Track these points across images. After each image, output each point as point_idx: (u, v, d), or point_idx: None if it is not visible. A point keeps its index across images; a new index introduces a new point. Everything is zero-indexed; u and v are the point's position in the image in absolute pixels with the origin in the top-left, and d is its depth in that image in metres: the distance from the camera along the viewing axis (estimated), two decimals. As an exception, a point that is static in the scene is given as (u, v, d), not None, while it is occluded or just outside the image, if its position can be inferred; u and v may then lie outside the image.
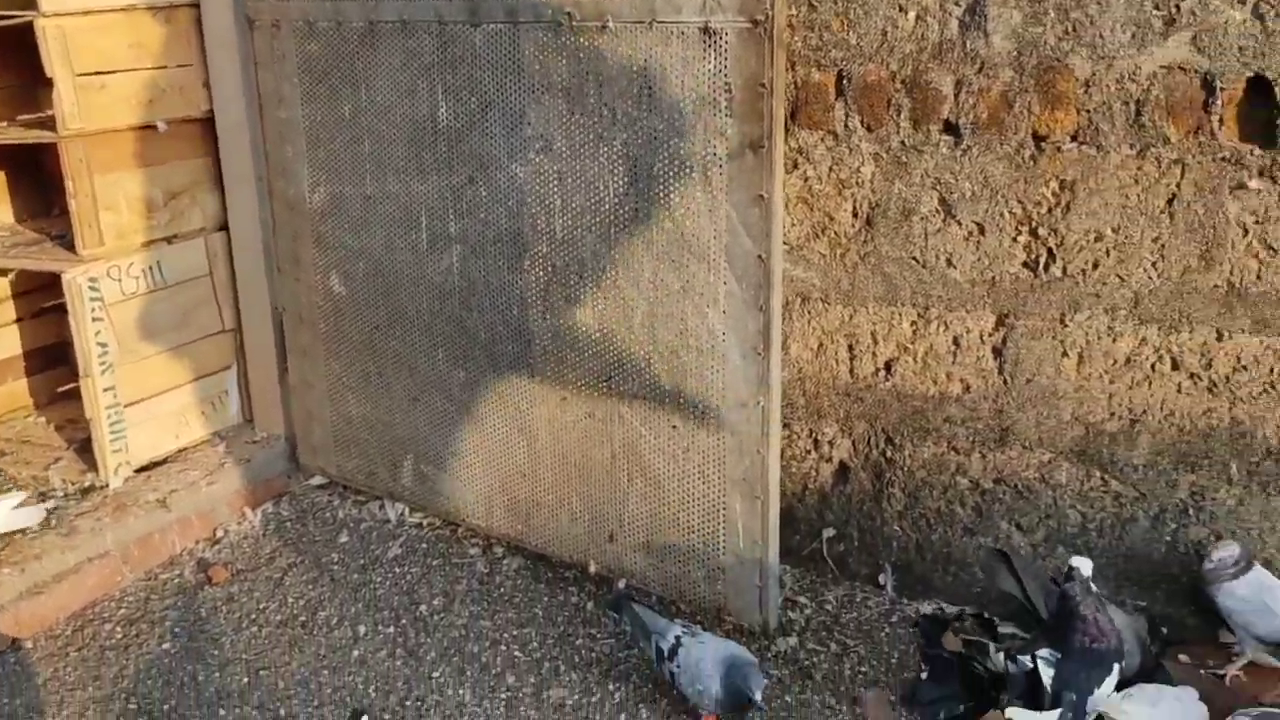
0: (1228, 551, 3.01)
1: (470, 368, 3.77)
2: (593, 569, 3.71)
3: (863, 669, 3.32)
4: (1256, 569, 3.04)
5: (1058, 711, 2.57)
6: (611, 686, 3.26)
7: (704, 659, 3.01)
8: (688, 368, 3.25)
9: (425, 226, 3.72)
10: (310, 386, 4.32)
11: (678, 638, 3.08)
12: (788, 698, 3.20)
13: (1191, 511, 3.22)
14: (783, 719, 3.11)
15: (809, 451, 3.74)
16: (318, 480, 4.49)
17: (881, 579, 3.72)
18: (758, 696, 2.88)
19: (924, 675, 2.69)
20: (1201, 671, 3.10)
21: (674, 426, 3.34)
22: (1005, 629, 3.15)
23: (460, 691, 3.25)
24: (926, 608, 3.55)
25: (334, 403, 4.26)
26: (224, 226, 4.41)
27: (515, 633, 3.50)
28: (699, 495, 3.36)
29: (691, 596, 3.52)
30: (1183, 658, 3.23)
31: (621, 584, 3.63)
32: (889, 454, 3.61)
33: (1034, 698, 2.66)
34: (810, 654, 3.37)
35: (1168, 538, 3.27)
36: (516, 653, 3.42)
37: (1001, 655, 2.66)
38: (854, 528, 3.75)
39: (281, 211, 4.14)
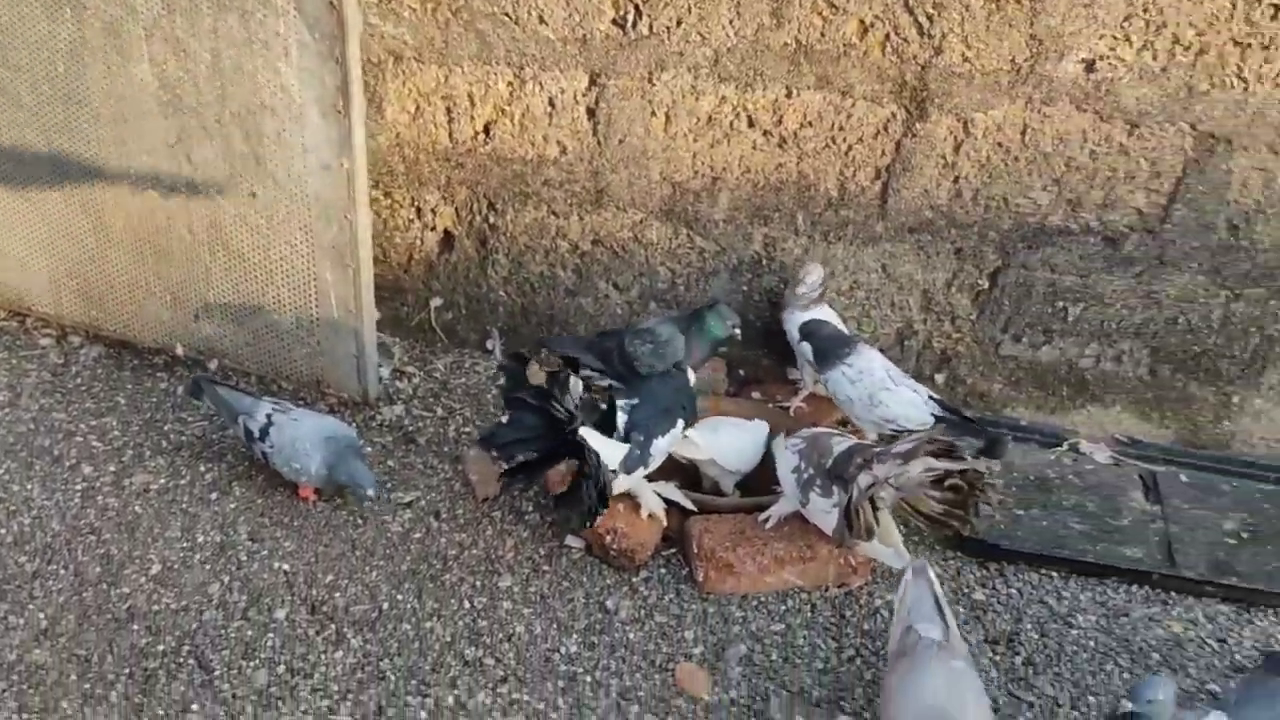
0: (815, 276, 3.24)
1: (16, 137, 3.30)
2: (180, 352, 3.48)
3: (467, 430, 3.39)
4: (825, 306, 3.34)
5: (627, 447, 2.74)
6: (203, 468, 3.12)
7: (299, 437, 2.93)
8: (264, 129, 3.01)
9: (-62, -36, 3.13)
10: None
11: (269, 416, 2.97)
12: (390, 462, 3.21)
13: (764, 262, 3.45)
14: (383, 481, 3.12)
15: (412, 221, 3.64)
16: None
17: (489, 344, 3.77)
18: (370, 493, 2.88)
19: (504, 419, 2.78)
20: (770, 405, 3.42)
21: (254, 194, 3.11)
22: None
23: (28, 486, 2.99)
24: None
25: None
26: None
27: (93, 423, 3.25)
28: (287, 266, 3.19)
29: (289, 372, 3.40)
30: (755, 395, 3.54)
31: (214, 365, 3.44)
32: (492, 220, 3.58)
33: (606, 432, 2.79)
34: (416, 420, 3.39)
35: (745, 287, 3.51)
36: (95, 443, 3.18)
37: (582, 385, 2.74)
38: (461, 296, 3.74)
39: None
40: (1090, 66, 2.95)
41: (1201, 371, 3.31)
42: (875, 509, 2.62)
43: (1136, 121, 3.00)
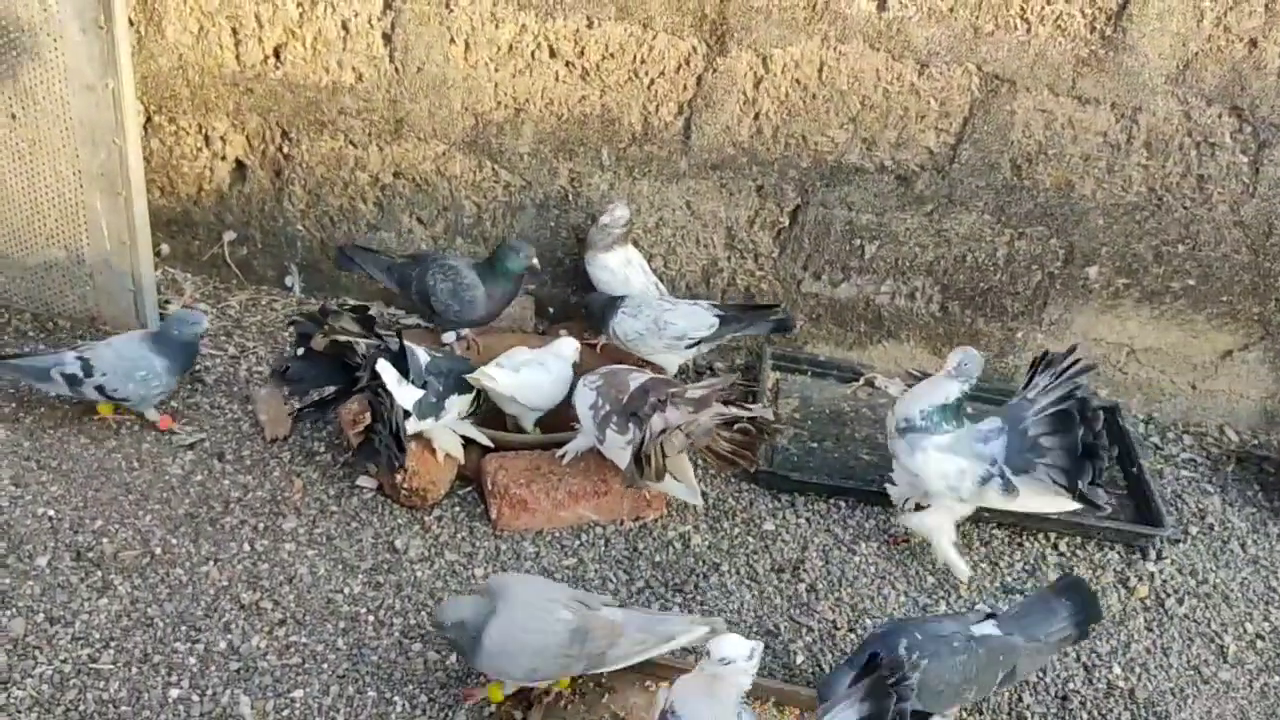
0: (620, 212, 3.22)
1: None
2: (-61, 290, 3.23)
3: (259, 369, 3.26)
4: (629, 246, 3.32)
5: (421, 393, 2.68)
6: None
7: (123, 352, 2.84)
8: (21, 44, 2.78)
9: None
10: None
11: (79, 356, 2.80)
12: (174, 403, 3.06)
13: (571, 198, 3.41)
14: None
15: (200, 149, 3.45)
16: None
17: (288, 280, 3.62)
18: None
19: (298, 353, 2.69)
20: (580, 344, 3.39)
21: (13, 116, 2.89)
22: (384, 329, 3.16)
23: None
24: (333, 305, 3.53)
25: None
26: None
27: None
28: (54, 195, 2.98)
29: (63, 308, 3.20)
30: (563, 332, 3.51)
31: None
32: (286, 150, 3.42)
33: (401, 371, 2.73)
34: (204, 358, 3.23)
35: (552, 223, 3.46)
36: None
37: (370, 351, 2.68)
38: (256, 229, 3.57)
39: None
40: (882, 5, 2.98)
41: (988, 308, 3.43)
42: (665, 455, 2.64)
43: (926, 61, 3.06)
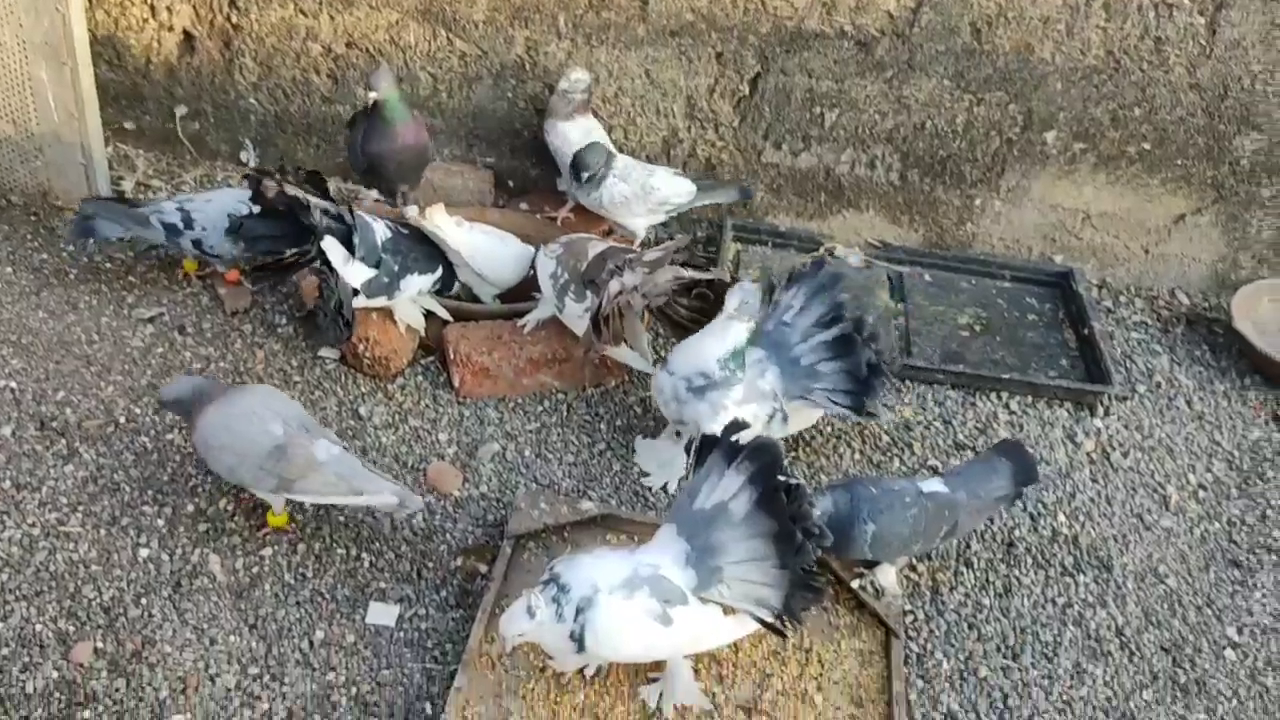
0: (579, 75, 3.19)
1: None
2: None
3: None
4: (589, 116, 3.29)
5: (374, 272, 2.69)
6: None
7: (225, 206, 2.92)
8: (-50, -97, 2.69)
9: None
10: None
11: (179, 206, 2.91)
12: (131, 277, 3.05)
13: (528, 67, 3.36)
14: (123, 296, 2.97)
15: (146, 20, 3.36)
16: None
17: (243, 155, 3.57)
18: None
19: (254, 211, 2.68)
20: (538, 216, 3.39)
21: (-51, -20, 2.80)
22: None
23: None
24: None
25: None
26: None
27: None
28: (-2, 66, 2.92)
29: (13, 184, 3.16)
30: (524, 206, 3.50)
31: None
32: (234, 19, 3.34)
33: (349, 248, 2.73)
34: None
35: (509, 94, 3.42)
36: None
37: (319, 214, 2.66)
38: (208, 103, 3.51)
39: None
40: None
41: (947, 175, 3.44)
42: (622, 316, 2.66)
43: (885, -81, 3.01)
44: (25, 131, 3.01)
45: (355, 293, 2.72)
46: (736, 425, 2.10)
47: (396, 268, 2.78)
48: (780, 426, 2.64)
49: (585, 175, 3.07)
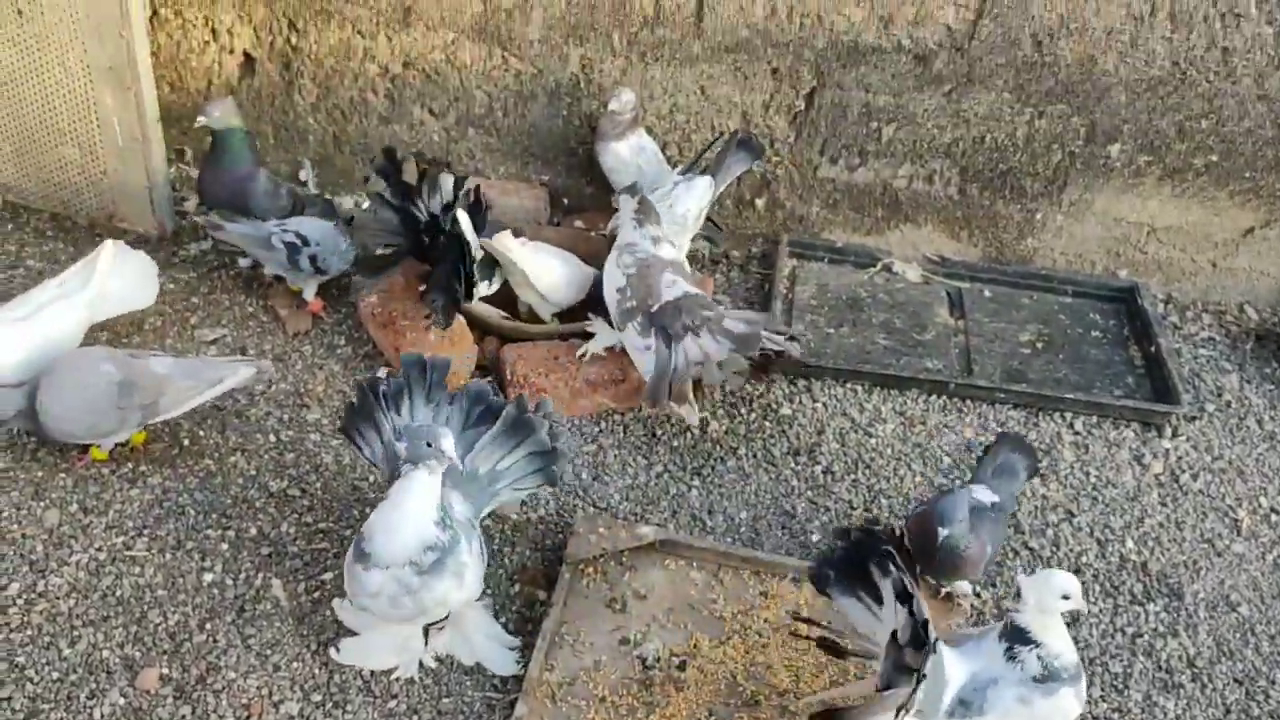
0: (627, 97, 3.17)
1: None
2: (-43, 187, 3.24)
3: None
4: (640, 133, 3.28)
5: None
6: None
7: (326, 228, 2.99)
8: (21, -64, 2.75)
9: None
10: None
11: (285, 228, 2.94)
12: (195, 299, 3.09)
13: (582, 84, 3.36)
14: (186, 318, 3.02)
15: (208, 43, 3.41)
16: None
17: (302, 175, 3.60)
18: None
19: (366, 207, 2.87)
20: (593, 233, 3.38)
21: (19, 12, 2.86)
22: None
23: None
24: (349, 202, 3.53)
25: None
26: None
27: None
28: (64, 91, 2.97)
29: (80, 207, 3.21)
30: (578, 223, 3.50)
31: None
32: (294, 41, 3.37)
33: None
34: (223, 255, 3.24)
35: (564, 112, 3.42)
36: None
37: (453, 181, 2.86)
38: (268, 124, 3.55)
39: None
40: (899, -126, 2.88)
41: (1007, 189, 3.39)
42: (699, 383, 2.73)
43: (945, -67, 2.97)
44: (91, 155, 3.06)
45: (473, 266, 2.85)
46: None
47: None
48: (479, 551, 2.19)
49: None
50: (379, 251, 3.01)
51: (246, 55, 3.43)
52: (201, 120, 2.91)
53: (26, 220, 3.26)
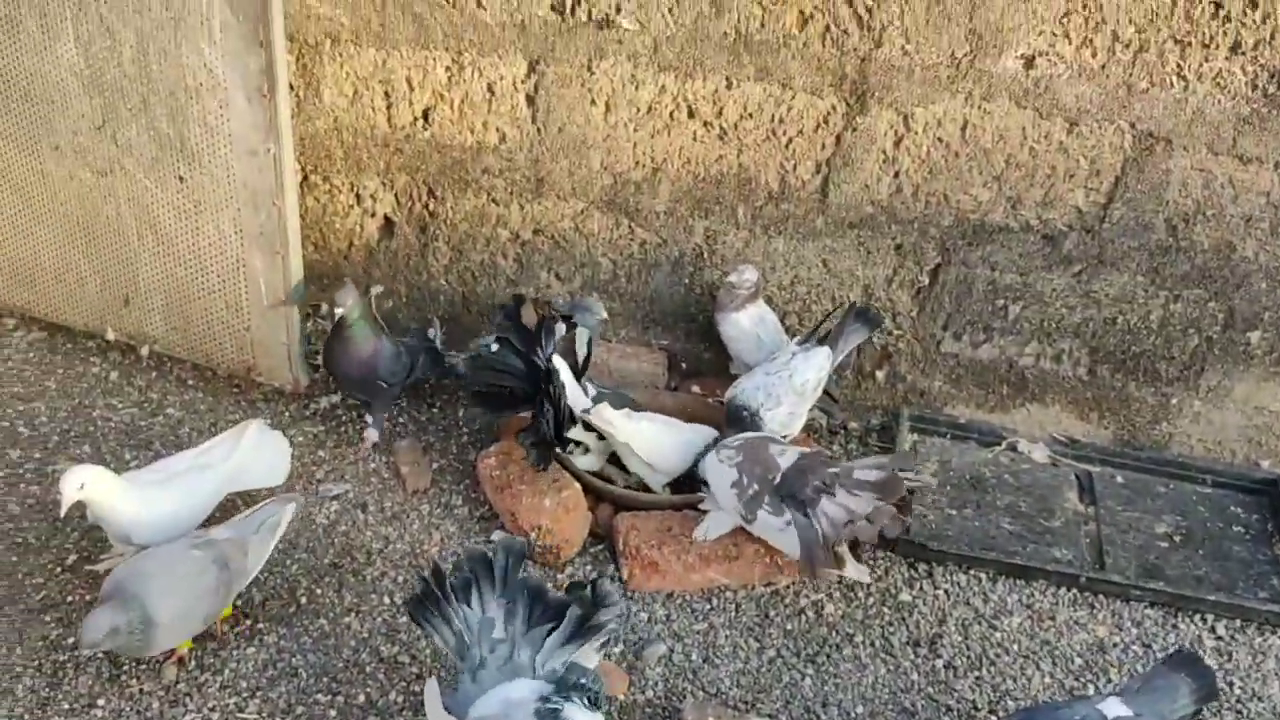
0: (749, 275, 3.21)
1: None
2: (111, 336, 3.43)
3: (401, 419, 3.35)
4: (760, 304, 3.31)
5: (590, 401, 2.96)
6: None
7: None
8: (189, 112, 2.95)
9: None
10: None
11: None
12: (321, 453, 3.18)
13: (706, 255, 3.42)
14: (313, 472, 3.09)
15: (352, 206, 3.59)
16: None
17: (430, 333, 3.71)
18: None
19: (492, 345, 3.01)
20: (709, 399, 3.38)
21: (181, 178, 3.06)
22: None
23: (-56, 476, 2.95)
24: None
25: None
26: None
27: (20, 408, 3.20)
28: (216, 252, 3.14)
29: (220, 360, 3.36)
30: (695, 388, 3.51)
31: (145, 350, 3.39)
32: (432, 207, 3.53)
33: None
34: (350, 410, 3.34)
35: (686, 280, 3.47)
36: (21, 428, 3.13)
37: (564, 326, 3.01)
38: (402, 283, 3.69)
39: None
40: (1030, 63, 2.91)
41: (1140, 372, 3.29)
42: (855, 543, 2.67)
43: (1075, 119, 2.97)
44: (236, 312, 3.22)
45: (572, 421, 2.93)
46: None
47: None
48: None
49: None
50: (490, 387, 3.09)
51: (386, 219, 3.59)
52: (339, 311, 3.02)
53: (170, 369, 3.42)
